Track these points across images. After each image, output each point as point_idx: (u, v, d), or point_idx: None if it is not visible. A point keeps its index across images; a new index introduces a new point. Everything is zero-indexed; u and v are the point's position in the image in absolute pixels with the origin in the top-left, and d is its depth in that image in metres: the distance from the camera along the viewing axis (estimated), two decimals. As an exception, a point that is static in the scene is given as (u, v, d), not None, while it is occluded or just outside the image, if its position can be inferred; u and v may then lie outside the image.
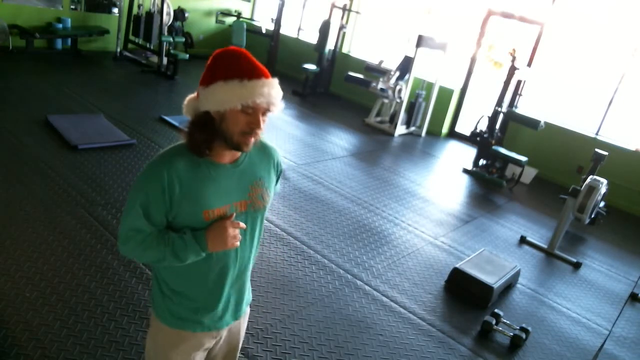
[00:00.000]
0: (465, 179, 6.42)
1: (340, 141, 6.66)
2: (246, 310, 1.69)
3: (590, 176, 4.69)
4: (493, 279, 3.61)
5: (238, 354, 1.77)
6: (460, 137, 8.27)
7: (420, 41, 7.04)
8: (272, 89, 1.30)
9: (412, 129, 7.91)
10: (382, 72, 7.74)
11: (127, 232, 1.36)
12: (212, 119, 1.31)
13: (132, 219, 1.34)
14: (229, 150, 1.37)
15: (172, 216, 1.35)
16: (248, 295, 1.65)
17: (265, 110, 1.32)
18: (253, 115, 1.30)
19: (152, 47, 8.41)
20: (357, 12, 9.15)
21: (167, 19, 8.07)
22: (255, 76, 1.29)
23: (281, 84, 1.40)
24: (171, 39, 7.96)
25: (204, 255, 1.38)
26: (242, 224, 1.41)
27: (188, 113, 1.38)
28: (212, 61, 1.33)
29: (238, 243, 1.42)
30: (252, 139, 1.33)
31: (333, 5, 8.70)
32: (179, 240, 1.34)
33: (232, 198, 1.41)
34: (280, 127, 6.66)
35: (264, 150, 1.51)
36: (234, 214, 1.41)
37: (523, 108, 6.77)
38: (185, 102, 1.39)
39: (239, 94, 1.26)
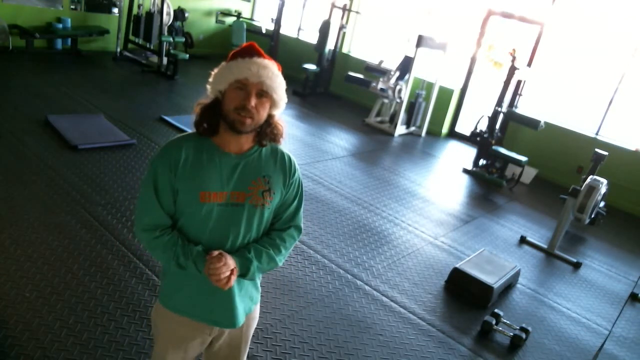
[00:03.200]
0: (465, 179, 6.42)
1: (340, 141, 6.66)
2: (249, 318, 1.67)
3: (590, 176, 4.69)
4: (493, 279, 3.61)
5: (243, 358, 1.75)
6: (460, 137, 8.27)
7: (420, 41, 7.04)
8: (262, 68, 1.37)
9: (412, 129, 7.91)
10: (382, 72, 7.74)
11: (142, 219, 1.45)
12: (219, 102, 1.42)
13: (145, 199, 1.43)
14: (233, 136, 1.43)
15: (175, 194, 1.43)
16: (249, 302, 1.61)
17: (260, 91, 1.38)
18: (245, 90, 1.37)
19: (152, 47, 8.41)
20: (357, 12, 9.15)
21: (167, 19, 8.07)
22: (249, 56, 1.38)
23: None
24: (171, 39, 7.96)
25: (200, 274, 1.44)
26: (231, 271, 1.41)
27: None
28: None
29: (225, 286, 1.41)
30: (248, 120, 1.38)
31: (333, 5, 8.70)
32: (182, 259, 1.42)
33: (232, 187, 1.44)
34: (280, 127, 6.66)
35: (278, 156, 1.53)
36: (224, 254, 1.42)
37: (523, 108, 6.77)
38: (197, 103, 1.48)
39: (233, 70, 1.37)
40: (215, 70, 1.43)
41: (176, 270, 1.47)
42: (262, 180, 1.48)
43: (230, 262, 1.41)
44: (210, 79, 1.42)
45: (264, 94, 1.38)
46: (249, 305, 1.62)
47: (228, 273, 1.39)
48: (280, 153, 1.54)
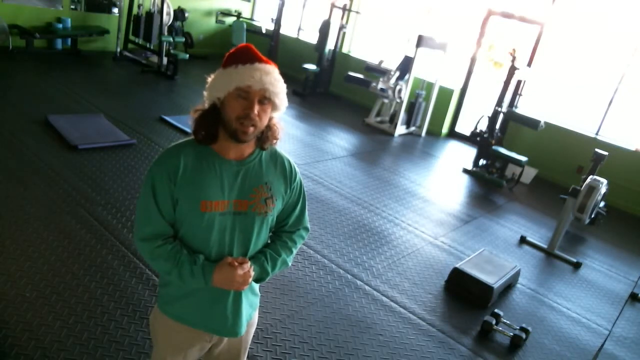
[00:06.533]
0: (465, 179, 6.42)
1: (340, 141, 6.66)
2: (249, 325, 1.65)
3: (590, 176, 4.69)
4: (493, 279, 3.61)
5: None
6: (460, 137, 8.27)
7: (420, 41, 7.04)
8: (265, 75, 1.32)
9: (412, 129, 7.91)
10: (382, 72, 7.74)
11: (142, 228, 1.40)
12: (217, 109, 1.36)
13: (144, 208, 1.39)
14: (233, 143, 1.39)
15: (175, 203, 1.39)
16: (249, 309, 1.60)
17: (263, 98, 1.33)
18: (247, 99, 1.32)
19: (152, 47, 8.41)
20: (357, 12, 9.15)
21: (167, 19, 8.07)
22: (249, 61, 1.33)
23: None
24: (171, 39, 7.96)
25: (205, 285, 1.42)
26: (251, 272, 1.43)
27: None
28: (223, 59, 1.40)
29: (245, 287, 1.44)
30: (251, 128, 1.34)
31: (333, 5, 8.69)
32: (187, 266, 1.38)
33: (233, 195, 1.41)
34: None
35: (278, 160, 1.51)
36: (248, 261, 1.43)
37: (523, 108, 6.77)
38: (194, 109, 1.42)
39: (233, 77, 1.31)
40: (212, 76, 1.37)
41: (177, 281, 1.45)
42: (264, 187, 1.44)
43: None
44: (208, 86, 1.37)
45: (265, 100, 1.34)
46: (249, 312, 1.61)
47: (249, 280, 1.42)
48: (280, 158, 1.51)
